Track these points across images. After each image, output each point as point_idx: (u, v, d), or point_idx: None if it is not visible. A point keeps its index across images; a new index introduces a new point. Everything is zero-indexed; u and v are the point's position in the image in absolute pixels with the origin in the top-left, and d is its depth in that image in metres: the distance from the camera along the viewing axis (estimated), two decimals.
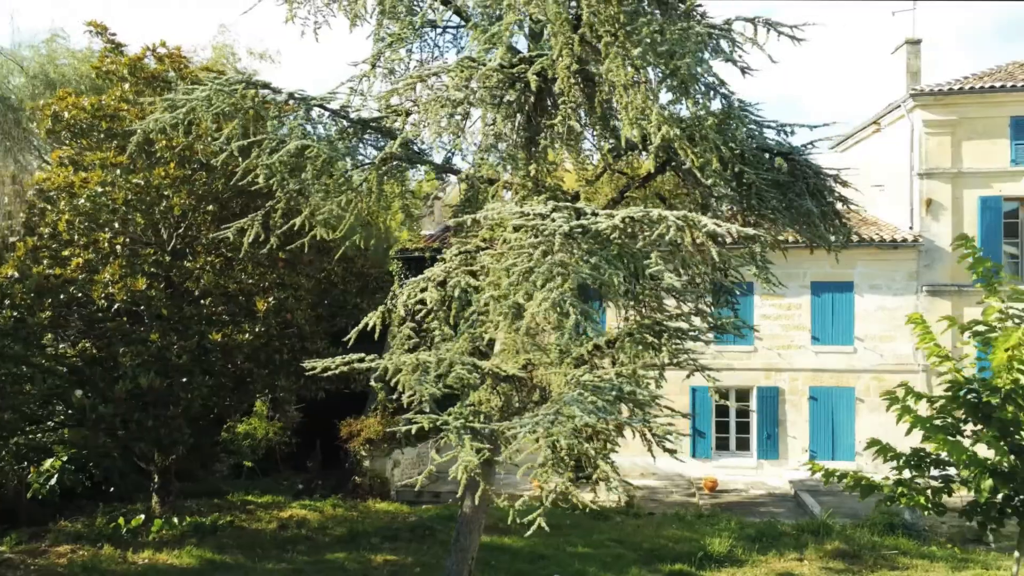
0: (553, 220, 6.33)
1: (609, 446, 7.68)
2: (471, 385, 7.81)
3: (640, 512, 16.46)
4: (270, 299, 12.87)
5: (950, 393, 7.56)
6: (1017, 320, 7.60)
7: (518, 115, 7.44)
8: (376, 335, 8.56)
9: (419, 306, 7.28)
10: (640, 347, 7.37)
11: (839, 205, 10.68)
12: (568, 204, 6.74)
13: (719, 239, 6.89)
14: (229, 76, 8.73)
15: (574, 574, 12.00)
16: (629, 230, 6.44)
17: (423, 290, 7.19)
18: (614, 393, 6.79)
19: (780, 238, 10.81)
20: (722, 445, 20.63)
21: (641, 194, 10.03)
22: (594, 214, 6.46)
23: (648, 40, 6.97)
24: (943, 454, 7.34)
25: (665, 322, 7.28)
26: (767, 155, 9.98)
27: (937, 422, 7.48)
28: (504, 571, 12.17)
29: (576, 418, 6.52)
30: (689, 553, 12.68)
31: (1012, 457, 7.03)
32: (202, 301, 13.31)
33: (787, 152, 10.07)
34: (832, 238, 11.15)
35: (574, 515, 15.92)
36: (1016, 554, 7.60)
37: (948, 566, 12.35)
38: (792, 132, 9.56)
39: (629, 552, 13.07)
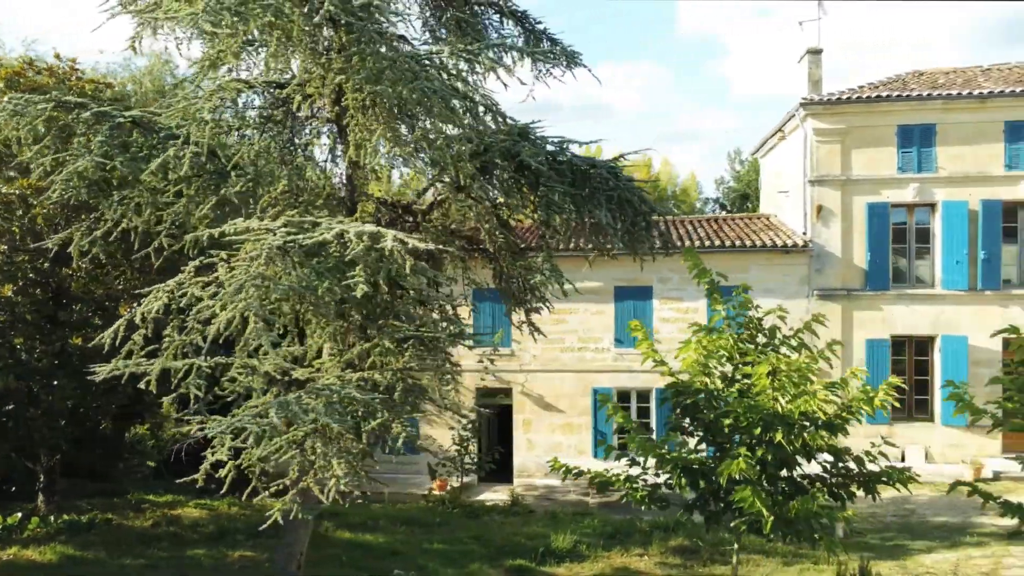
0: (274, 234, 6.82)
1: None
2: (249, 387, 8.29)
3: (522, 510, 16.97)
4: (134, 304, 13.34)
5: (669, 394, 8.05)
6: (738, 326, 8.10)
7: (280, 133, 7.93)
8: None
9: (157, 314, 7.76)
10: (390, 355, 7.84)
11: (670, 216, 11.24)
12: (312, 219, 7.21)
13: (420, 253, 7.27)
14: (31, 96, 9.18)
15: (417, 569, 12.47)
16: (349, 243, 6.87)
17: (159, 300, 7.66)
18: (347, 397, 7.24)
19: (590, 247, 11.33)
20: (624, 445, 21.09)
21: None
22: (314, 226, 6.94)
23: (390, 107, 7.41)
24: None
25: (408, 330, 7.73)
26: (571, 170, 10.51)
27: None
28: (352, 566, 12.65)
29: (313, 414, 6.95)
30: (535, 549, 13.16)
31: (705, 455, 7.53)
32: (73, 307, 13.79)
33: (586, 167, 10.59)
34: (666, 245, 11.69)
35: (450, 513, 16.49)
36: (735, 547, 8.10)
37: (780, 561, 12.85)
38: (564, 148, 10.13)
39: (481, 549, 13.56)
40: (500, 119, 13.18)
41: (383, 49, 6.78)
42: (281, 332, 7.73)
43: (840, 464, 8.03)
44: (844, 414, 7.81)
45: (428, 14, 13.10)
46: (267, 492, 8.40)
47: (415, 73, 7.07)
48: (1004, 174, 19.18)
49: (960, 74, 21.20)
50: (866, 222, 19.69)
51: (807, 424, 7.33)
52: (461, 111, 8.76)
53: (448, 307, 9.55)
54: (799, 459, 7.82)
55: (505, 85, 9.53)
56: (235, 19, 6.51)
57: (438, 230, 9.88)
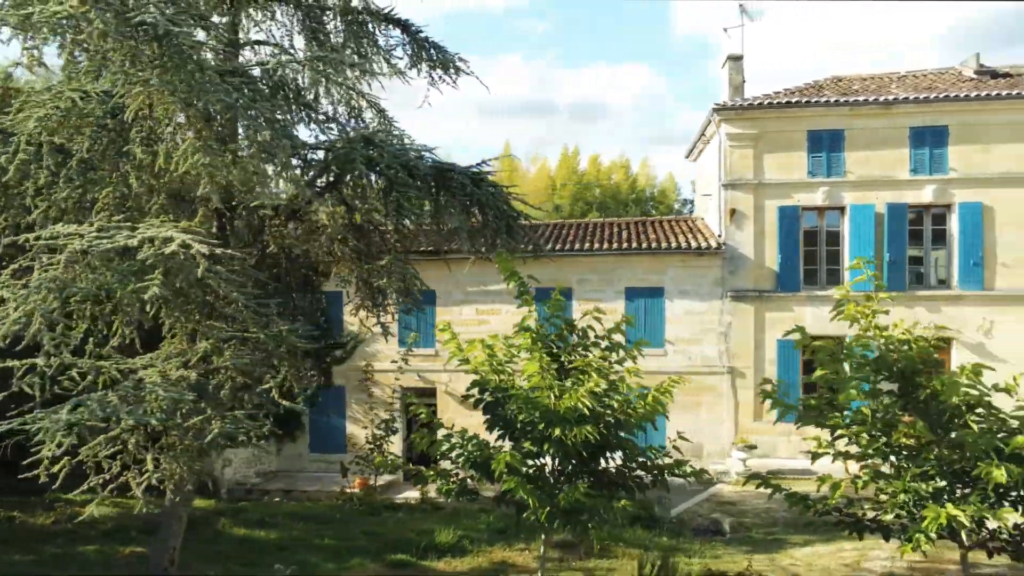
0: (82, 238, 7.14)
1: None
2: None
3: (429, 507, 17.31)
4: None
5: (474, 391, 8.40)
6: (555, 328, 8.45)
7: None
8: None
9: None
10: (215, 354, 8.15)
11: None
12: (119, 224, 7.53)
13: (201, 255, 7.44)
14: None
15: (299, 564, 12.77)
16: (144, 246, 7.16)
17: None
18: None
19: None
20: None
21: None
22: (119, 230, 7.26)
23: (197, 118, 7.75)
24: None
25: (227, 331, 8.03)
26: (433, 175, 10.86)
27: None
28: (235, 561, 12.94)
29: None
30: (419, 544, 13.50)
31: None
32: None
33: (444, 172, 10.94)
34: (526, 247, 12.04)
35: (356, 510, 16.83)
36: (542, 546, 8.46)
37: (661, 555, 13.23)
38: (421, 155, 10.48)
39: (369, 544, 13.88)
40: (384, 123, 13.55)
41: (189, 66, 7.10)
42: (103, 333, 8.01)
43: (637, 459, 8.42)
44: (629, 410, 8.18)
45: (313, 25, 13.47)
46: (139, 487, 8.59)
47: (216, 86, 7.39)
48: (909, 178, 19.68)
49: (874, 80, 21.72)
50: (777, 225, 20.15)
51: (587, 419, 7.62)
52: (291, 122, 9.09)
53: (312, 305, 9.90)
54: (608, 453, 8.20)
55: (382, 86, 9.81)
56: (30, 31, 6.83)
57: (297, 236, 10.22)
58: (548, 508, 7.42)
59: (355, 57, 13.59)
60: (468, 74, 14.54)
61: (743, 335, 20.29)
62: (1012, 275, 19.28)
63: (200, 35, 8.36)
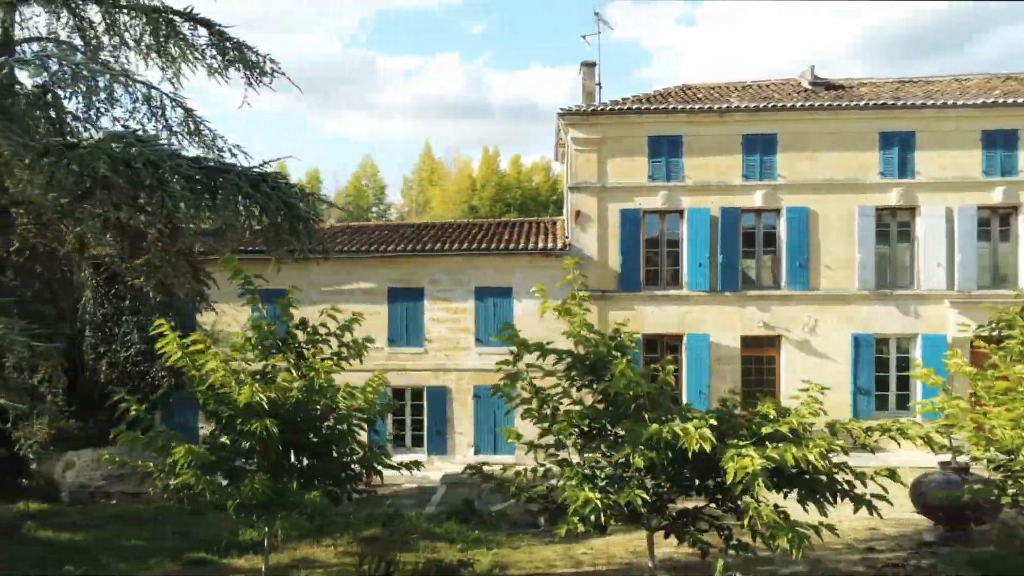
0: None
1: None
2: None
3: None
4: None
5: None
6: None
7: None
8: None
9: None
10: None
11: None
12: None
13: None
14: None
15: (95, 565, 12.68)
16: None
17: None
18: None
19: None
20: (400, 441, 21.70)
21: None
22: None
23: None
24: None
25: None
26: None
27: None
28: (29, 564, 12.76)
29: None
30: (230, 542, 13.56)
31: None
32: None
33: (218, 171, 11.05)
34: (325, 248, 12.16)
35: (184, 509, 16.73)
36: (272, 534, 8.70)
37: (456, 548, 13.61)
38: (199, 158, 10.62)
39: (177, 543, 13.88)
40: (191, 121, 13.57)
41: None
42: None
43: (353, 456, 8.76)
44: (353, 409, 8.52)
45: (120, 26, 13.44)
46: None
47: None
48: (742, 183, 20.64)
49: (718, 89, 22.64)
50: (619, 227, 20.85)
51: (267, 414, 7.80)
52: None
53: None
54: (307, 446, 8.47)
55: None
56: None
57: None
58: (237, 501, 7.66)
59: (155, 56, 13.60)
60: (281, 75, 14.69)
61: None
62: (834, 276, 20.43)
63: None
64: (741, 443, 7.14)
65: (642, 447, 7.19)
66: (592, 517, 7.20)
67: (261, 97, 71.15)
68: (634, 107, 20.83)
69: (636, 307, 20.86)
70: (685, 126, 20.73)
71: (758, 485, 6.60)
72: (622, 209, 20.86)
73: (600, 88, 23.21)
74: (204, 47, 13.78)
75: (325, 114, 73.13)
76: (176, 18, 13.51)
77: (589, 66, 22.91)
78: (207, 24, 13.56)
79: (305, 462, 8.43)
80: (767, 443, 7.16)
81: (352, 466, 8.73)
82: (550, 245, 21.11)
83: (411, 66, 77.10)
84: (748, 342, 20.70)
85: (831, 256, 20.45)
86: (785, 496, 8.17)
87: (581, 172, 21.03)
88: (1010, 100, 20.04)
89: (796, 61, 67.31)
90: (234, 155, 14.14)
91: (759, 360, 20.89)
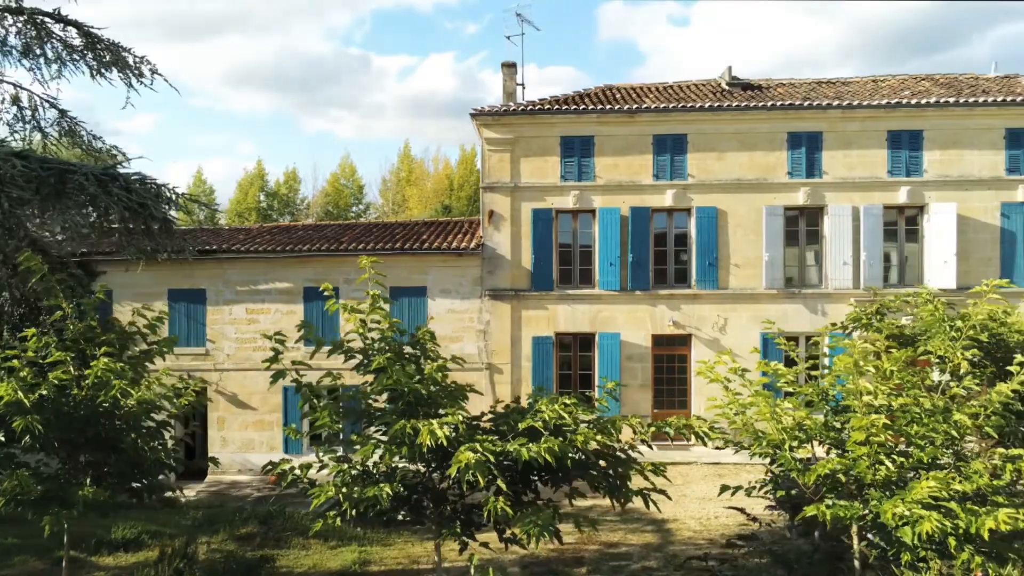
0: None
1: None
2: None
3: (173, 508, 17.46)
4: None
5: None
6: None
7: None
8: None
9: None
10: None
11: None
12: None
13: None
14: None
15: None
16: None
17: None
18: None
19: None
20: (317, 440, 21.75)
21: None
22: None
23: None
24: None
25: None
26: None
27: None
28: None
29: None
30: (100, 540, 13.64)
31: None
32: None
33: (63, 172, 11.12)
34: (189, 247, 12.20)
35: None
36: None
37: (328, 545, 13.75)
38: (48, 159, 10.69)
39: (51, 542, 13.88)
40: (66, 121, 13.62)
41: None
42: None
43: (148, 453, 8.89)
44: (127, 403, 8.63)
45: None
46: None
47: None
48: (652, 183, 20.80)
49: (637, 91, 22.77)
50: (531, 227, 20.98)
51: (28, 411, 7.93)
52: None
53: None
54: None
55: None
56: None
57: None
58: (7, 496, 7.79)
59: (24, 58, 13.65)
60: (159, 76, 14.77)
61: (501, 333, 21.05)
62: (743, 275, 20.61)
63: None
64: (488, 438, 7.27)
65: (393, 445, 7.32)
66: (333, 512, 7.38)
67: (254, 98, 71.37)
68: (546, 107, 20.97)
69: (549, 306, 21.01)
70: (596, 126, 20.87)
71: (475, 476, 6.76)
72: (535, 209, 21.00)
73: (524, 88, 23.37)
74: (83, 48, 13.88)
75: (316, 113, 73.06)
76: (47, 20, 13.58)
77: (509, 67, 23.01)
78: (76, 25, 13.64)
79: (86, 458, 8.52)
80: (520, 438, 7.29)
81: (147, 464, 8.82)
82: (464, 245, 21.23)
83: (405, 65, 77.26)
84: (659, 340, 20.86)
85: (740, 255, 20.63)
86: (571, 489, 8.33)
87: (494, 172, 21.16)
88: (914, 101, 20.25)
89: (797, 61, 67.60)
90: (114, 156, 14.28)
91: (671, 358, 21.05)
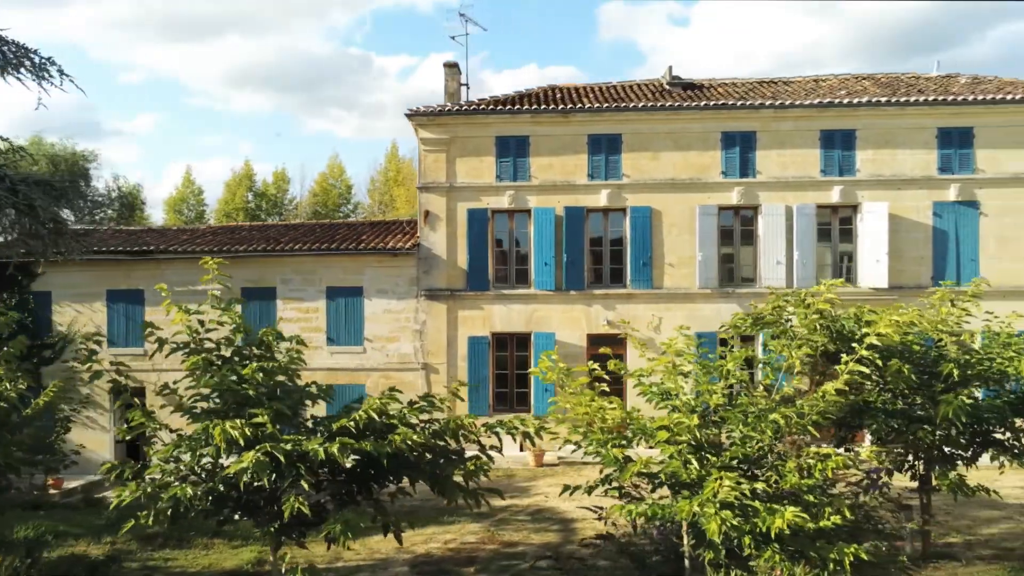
0: None
1: None
2: None
3: (86, 504, 17.49)
4: None
5: None
6: None
7: None
8: None
9: None
10: None
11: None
12: None
13: None
14: None
15: None
16: None
17: None
18: None
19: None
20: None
21: None
22: None
23: None
24: None
25: None
26: None
27: None
28: None
29: None
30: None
31: None
32: None
33: None
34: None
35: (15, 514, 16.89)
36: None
37: (231, 545, 13.77)
38: None
39: None
40: None
41: None
42: None
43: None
44: None
45: None
46: None
47: None
48: (587, 183, 20.82)
49: (579, 91, 22.77)
50: (467, 227, 21.00)
51: None
52: None
53: None
54: None
55: None
56: None
57: None
58: None
59: None
60: (67, 77, 14.80)
61: (437, 333, 21.07)
62: (677, 275, 20.63)
63: None
64: (295, 437, 7.32)
65: (198, 445, 7.37)
66: (145, 512, 7.46)
67: (254, 98, 71.37)
68: (481, 108, 20.99)
69: (485, 306, 21.03)
70: (532, 126, 20.89)
71: (254, 475, 6.88)
72: (470, 209, 21.02)
73: (467, 88, 23.40)
74: None
75: (316, 113, 72.97)
76: None
77: (451, 67, 23.03)
78: None
79: None
80: (338, 437, 7.37)
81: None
82: (401, 245, 21.24)
83: (405, 65, 77.22)
84: (595, 340, 20.87)
85: (675, 255, 20.65)
86: (414, 484, 8.37)
87: (430, 172, 21.18)
88: (847, 100, 20.28)
89: (796, 61, 67.64)
90: (17, 153, 14.30)
91: (606, 358, 20.99)
